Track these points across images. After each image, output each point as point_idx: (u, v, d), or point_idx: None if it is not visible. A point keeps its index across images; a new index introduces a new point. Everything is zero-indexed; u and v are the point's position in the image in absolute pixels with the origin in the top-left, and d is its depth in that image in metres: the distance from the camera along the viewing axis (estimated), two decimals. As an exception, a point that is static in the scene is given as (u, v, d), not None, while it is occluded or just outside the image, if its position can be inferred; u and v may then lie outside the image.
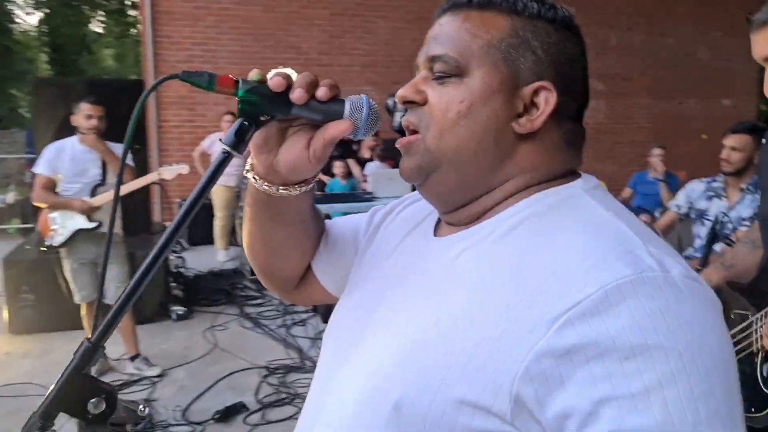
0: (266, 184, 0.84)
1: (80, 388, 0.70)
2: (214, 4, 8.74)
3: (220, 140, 0.77)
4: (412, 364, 0.68)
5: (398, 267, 0.84)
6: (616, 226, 0.67)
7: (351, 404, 0.73)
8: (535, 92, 0.74)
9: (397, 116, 5.87)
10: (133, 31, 23.17)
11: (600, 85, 10.00)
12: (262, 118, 0.77)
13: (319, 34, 9.13)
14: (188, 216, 0.75)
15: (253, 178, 0.85)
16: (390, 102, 5.87)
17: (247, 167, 0.86)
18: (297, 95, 0.75)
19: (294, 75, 0.78)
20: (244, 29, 8.85)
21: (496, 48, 0.74)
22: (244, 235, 0.97)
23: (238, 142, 0.75)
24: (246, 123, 0.76)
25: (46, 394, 0.70)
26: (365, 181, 6.78)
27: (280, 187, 0.84)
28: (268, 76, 0.77)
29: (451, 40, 0.76)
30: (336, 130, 0.77)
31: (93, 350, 0.70)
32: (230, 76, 0.77)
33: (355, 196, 5.99)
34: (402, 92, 0.78)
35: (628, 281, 0.59)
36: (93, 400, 0.71)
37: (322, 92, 0.76)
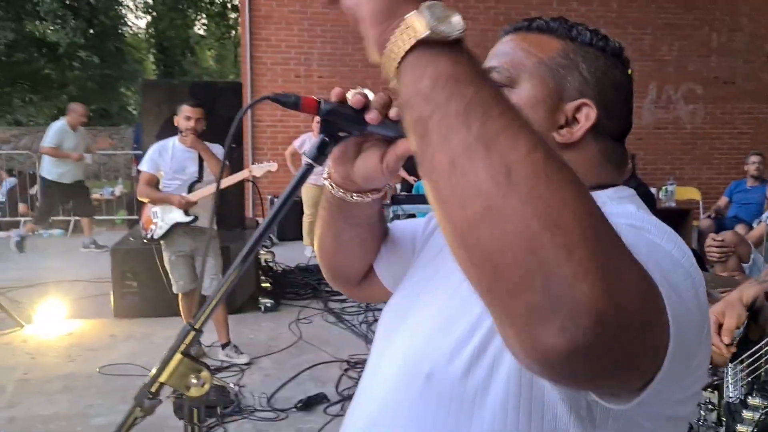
0: (342, 191, 0.94)
1: (182, 366, 0.83)
2: (308, 8, 9.02)
3: (304, 154, 0.88)
4: (441, 339, 0.78)
5: (443, 263, 0.92)
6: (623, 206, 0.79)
7: (391, 379, 0.83)
8: (578, 108, 0.82)
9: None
10: (232, 33, 24.16)
11: (699, 88, 9.61)
12: (340, 134, 0.87)
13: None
14: (275, 219, 0.87)
15: (331, 185, 0.95)
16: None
17: (325, 176, 0.96)
18: (372, 116, 0.83)
19: (370, 95, 0.87)
20: (336, 32, 9.08)
21: (547, 66, 0.84)
22: (317, 235, 1.07)
23: (320, 155, 0.86)
24: (326, 138, 0.86)
25: (151, 371, 0.83)
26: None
27: (355, 195, 0.94)
28: (348, 96, 0.86)
29: (507, 55, 0.86)
30: (406, 146, 0.85)
31: (193, 332, 0.82)
32: (313, 97, 0.87)
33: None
34: None
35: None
36: (192, 376, 0.83)
37: (394, 113, 0.85)
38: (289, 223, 7.93)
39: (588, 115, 0.82)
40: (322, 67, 9.05)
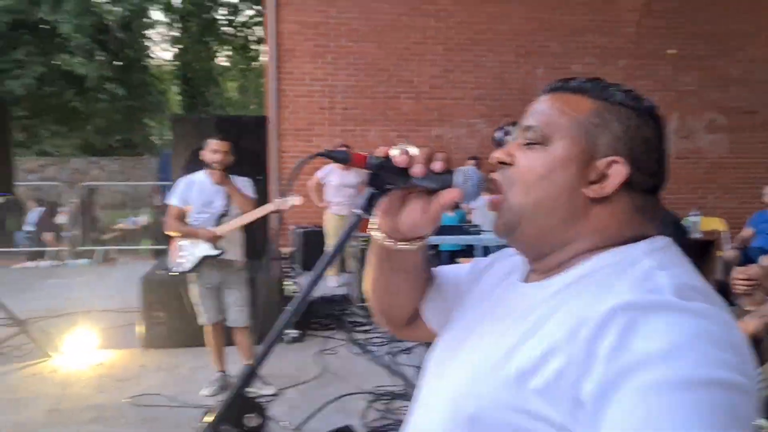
0: (389, 240, 1.01)
1: (240, 405, 0.88)
2: (332, 42, 9.20)
3: (354, 208, 0.94)
4: (485, 383, 0.82)
5: (487, 309, 0.98)
6: (657, 280, 0.77)
7: (438, 416, 0.88)
8: (609, 165, 0.87)
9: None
10: (254, 64, 24.59)
11: (721, 118, 9.61)
12: (387, 187, 0.94)
13: (431, 69, 9.38)
14: (331, 262, 0.93)
15: (378, 235, 1.02)
16: (498, 135, 6.00)
17: (374, 226, 1.02)
18: (417, 171, 0.91)
19: (415, 151, 0.93)
20: (359, 65, 9.24)
21: (580, 125, 0.89)
22: (368, 280, 1.13)
23: (368, 207, 0.93)
24: (374, 191, 0.93)
25: (215, 408, 0.88)
26: (470, 212, 6.91)
27: (400, 243, 1.01)
28: (392, 153, 0.93)
29: (542, 114, 0.92)
30: (448, 197, 0.93)
31: (251, 374, 0.88)
32: (362, 153, 0.94)
33: (463, 229, 6.12)
34: (496, 154, 0.94)
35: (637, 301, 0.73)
36: (249, 415, 0.88)
37: (437, 166, 0.92)
38: (311, 254, 8.01)
39: (619, 172, 0.86)
40: (345, 99, 9.19)
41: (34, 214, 11.53)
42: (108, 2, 20.25)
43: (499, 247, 1.04)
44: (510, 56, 9.40)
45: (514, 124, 5.94)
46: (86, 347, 5.19)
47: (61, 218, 11.37)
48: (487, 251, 6.55)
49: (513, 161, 0.92)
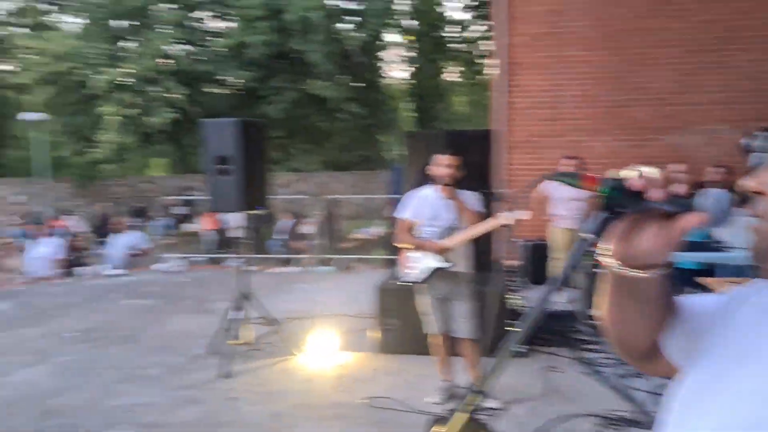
0: (621, 267, 0.95)
1: (468, 426, 0.92)
2: (561, 52, 9.01)
3: (585, 232, 0.93)
4: None
5: (746, 351, 0.87)
6: None
7: None
8: None
9: (754, 157, 5.38)
10: (478, 78, 24.95)
11: None
12: (620, 211, 0.91)
13: (668, 73, 8.74)
14: (564, 281, 0.94)
15: (610, 261, 0.97)
16: (745, 141, 5.42)
17: (606, 252, 0.97)
18: (656, 195, 0.86)
19: (652, 172, 0.89)
20: (588, 74, 8.93)
21: None
22: (602, 307, 1.07)
23: (600, 231, 0.92)
24: (606, 215, 0.91)
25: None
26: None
27: (635, 270, 0.94)
28: (627, 175, 0.90)
29: None
30: (692, 221, 0.85)
31: (480, 394, 0.92)
32: (593, 175, 0.93)
33: (706, 245, 5.60)
34: (745, 182, 0.85)
35: None
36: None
37: (682, 189, 0.86)
38: (538, 267, 7.87)
39: None
40: (574, 110, 8.95)
41: (284, 224, 12.84)
42: (352, 30, 22.00)
43: (752, 267, 0.93)
44: (765, 54, 8.42)
45: (765, 129, 5.33)
46: (327, 348, 5.65)
47: (307, 228, 12.50)
48: (740, 271, 5.89)
49: (762, 190, 0.82)
